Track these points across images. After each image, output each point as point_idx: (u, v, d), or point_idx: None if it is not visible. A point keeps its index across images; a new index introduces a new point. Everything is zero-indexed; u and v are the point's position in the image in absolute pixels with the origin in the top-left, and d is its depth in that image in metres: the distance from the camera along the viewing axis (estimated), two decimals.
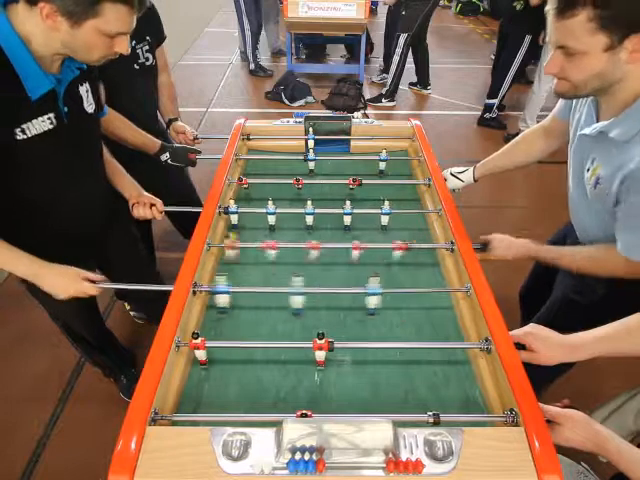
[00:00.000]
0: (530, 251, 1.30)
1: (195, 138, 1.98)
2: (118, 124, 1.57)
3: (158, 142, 1.70)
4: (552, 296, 1.52)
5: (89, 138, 1.28)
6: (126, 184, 1.47)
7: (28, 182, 1.14)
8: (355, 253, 1.39)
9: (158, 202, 1.49)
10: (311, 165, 1.83)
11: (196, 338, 1.05)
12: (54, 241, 1.26)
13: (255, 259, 1.43)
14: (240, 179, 1.66)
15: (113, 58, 1.09)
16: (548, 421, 0.88)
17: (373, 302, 1.24)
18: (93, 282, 1.22)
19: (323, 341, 1.04)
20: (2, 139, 1.02)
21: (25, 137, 1.04)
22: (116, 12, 0.97)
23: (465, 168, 1.63)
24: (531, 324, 1.03)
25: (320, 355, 1.08)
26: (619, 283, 1.14)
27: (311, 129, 1.90)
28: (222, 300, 1.24)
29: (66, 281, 1.19)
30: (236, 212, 1.52)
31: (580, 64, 0.94)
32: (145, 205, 1.46)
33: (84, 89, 1.21)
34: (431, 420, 0.90)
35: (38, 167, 1.13)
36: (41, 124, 1.07)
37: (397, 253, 1.41)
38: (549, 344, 0.97)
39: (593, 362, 0.99)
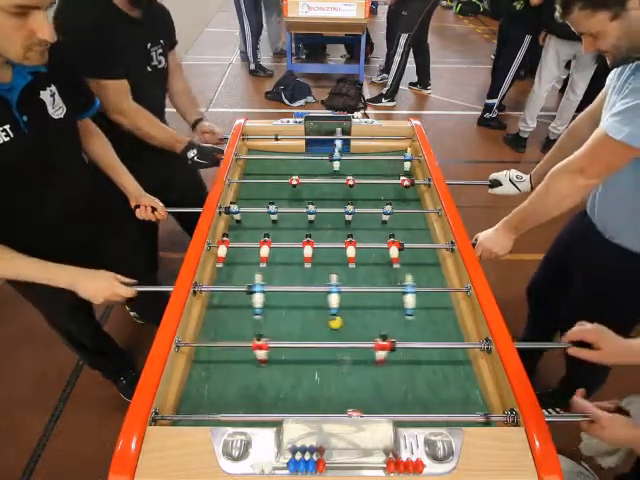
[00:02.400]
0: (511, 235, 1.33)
1: (222, 139, 1.93)
2: (144, 120, 1.57)
3: (186, 139, 1.68)
4: (574, 290, 1.53)
5: (62, 144, 1.20)
6: (127, 185, 1.47)
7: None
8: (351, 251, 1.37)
9: (159, 206, 1.49)
10: (336, 165, 1.80)
11: (259, 339, 1.05)
12: (42, 250, 1.18)
13: (255, 258, 1.43)
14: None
15: (38, 48, 0.95)
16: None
17: (410, 302, 1.19)
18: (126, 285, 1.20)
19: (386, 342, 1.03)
20: None
21: None
22: None
23: (525, 176, 1.61)
24: (595, 324, 1.01)
25: (380, 355, 1.06)
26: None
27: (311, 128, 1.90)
28: (257, 300, 1.18)
29: (101, 285, 1.16)
30: (236, 212, 1.52)
31: (602, 38, 1.07)
32: (147, 208, 1.47)
33: (47, 93, 1.11)
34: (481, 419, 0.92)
35: (5, 180, 1.07)
36: None
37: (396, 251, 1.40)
38: (612, 344, 0.96)
39: None
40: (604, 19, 1.02)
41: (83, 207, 1.33)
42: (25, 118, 1.06)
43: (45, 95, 1.11)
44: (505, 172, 1.65)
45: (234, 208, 1.51)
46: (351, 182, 1.64)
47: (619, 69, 1.21)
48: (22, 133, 1.06)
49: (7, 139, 1.02)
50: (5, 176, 1.06)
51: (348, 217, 1.56)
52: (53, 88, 1.14)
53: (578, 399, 0.92)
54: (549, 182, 1.21)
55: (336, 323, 1.22)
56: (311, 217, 1.56)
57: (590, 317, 1.02)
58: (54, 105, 1.14)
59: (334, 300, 1.17)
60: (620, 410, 0.91)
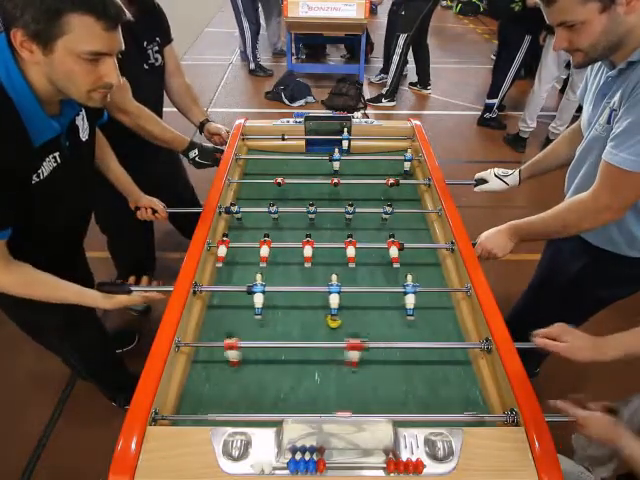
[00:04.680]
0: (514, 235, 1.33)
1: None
2: (146, 119, 1.59)
3: (187, 139, 1.70)
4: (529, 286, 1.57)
5: (87, 163, 1.26)
6: (128, 188, 1.50)
7: (39, 214, 1.12)
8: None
9: (159, 208, 1.52)
10: (336, 165, 1.82)
11: (230, 338, 1.05)
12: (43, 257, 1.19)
13: (255, 258, 1.43)
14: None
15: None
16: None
17: (410, 302, 1.20)
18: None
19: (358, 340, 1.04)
20: (22, 188, 1.00)
21: (39, 180, 1.03)
22: (84, 26, 0.87)
23: (511, 171, 1.61)
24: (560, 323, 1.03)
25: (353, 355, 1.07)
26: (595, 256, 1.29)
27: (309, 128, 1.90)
28: (257, 300, 1.18)
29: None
30: (237, 212, 1.52)
31: (584, 31, 1.01)
32: (147, 210, 1.50)
33: (80, 118, 1.16)
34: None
35: (47, 201, 1.11)
36: (49, 164, 1.06)
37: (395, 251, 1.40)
38: (577, 336, 0.98)
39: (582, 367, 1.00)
40: (593, 10, 0.97)
41: (85, 215, 1.38)
42: (67, 144, 1.10)
43: (78, 120, 1.16)
44: (489, 170, 1.65)
45: (234, 208, 1.51)
46: (336, 181, 1.64)
47: (591, 80, 1.23)
48: (65, 158, 1.10)
49: (55, 165, 1.07)
50: (50, 195, 1.10)
51: (348, 217, 1.56)
52: (83, 112, 1.17)
53: (556, 401, 0.93)
54: (570, 220, 1.20)
55: (335, 322, 1.22)
56: (311, 217, 1.56)
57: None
58: (83, 128, 1.18)
59: (335, 300, 1.17)
60: (611, 411, 0.91)
